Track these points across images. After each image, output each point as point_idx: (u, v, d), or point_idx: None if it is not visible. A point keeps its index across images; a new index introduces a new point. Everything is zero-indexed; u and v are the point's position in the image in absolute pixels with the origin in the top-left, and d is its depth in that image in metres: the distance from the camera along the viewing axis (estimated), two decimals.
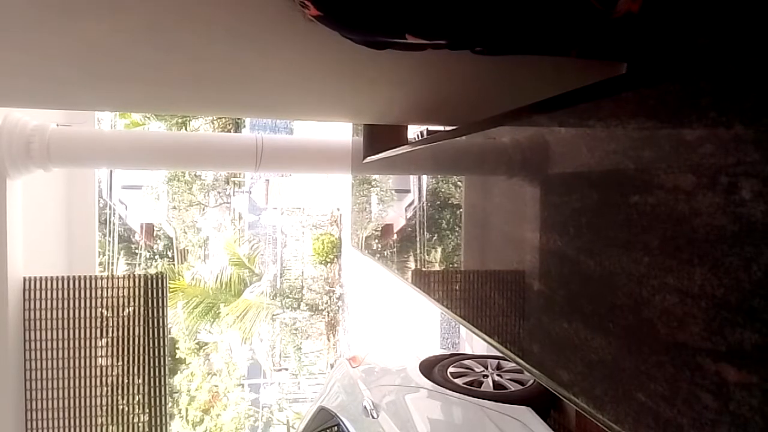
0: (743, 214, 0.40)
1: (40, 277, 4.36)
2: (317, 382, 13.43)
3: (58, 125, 4.16)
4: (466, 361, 3.46)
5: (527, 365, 0.78)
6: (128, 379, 4.68)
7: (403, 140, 1.98)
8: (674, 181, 0.47)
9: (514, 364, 0.85)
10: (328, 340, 13.78)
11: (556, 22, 0.81)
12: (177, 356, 12.21)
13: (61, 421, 4.45)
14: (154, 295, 4.72)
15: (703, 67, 0.44)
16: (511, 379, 3.13)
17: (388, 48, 0.98)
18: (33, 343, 4.34)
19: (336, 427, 3.29)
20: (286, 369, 14.95)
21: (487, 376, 3.22)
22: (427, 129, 2.26)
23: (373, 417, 3.04)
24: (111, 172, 10.99)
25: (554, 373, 0.70)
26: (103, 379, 4.58)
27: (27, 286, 4.30)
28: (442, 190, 1.45)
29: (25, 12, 0.93)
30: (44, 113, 4.15)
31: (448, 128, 1.53)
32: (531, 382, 3.03)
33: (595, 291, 0.60)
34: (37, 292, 4.34)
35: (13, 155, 3.81)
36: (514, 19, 0.82)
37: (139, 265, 14.19)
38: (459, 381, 3.17)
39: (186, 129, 13.00)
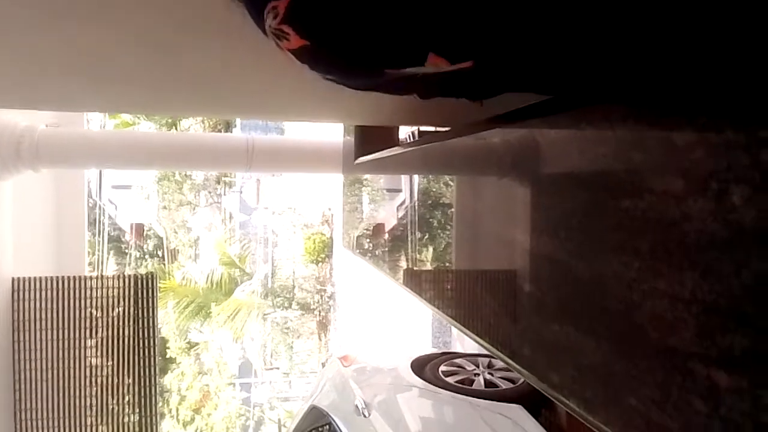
0: (733, 220, 0.40)
1: (29, 278, 4.34)
2: (308, 381, 13.41)
3: (47, 126, 4.13)
4: (457, 360, 3.47)
5: (518, 367, 0.78)
6: (118, 378, 4.66)
7: (394, 141, 1.98)
8: (665, 185, 0.47)
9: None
10: (320, 339, 13.77)
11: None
12: (167, 356, 12.16)
13: (51, 422, 4.44)
14: (144, 294, 4.71)
15: (695, 73, 0.44)
16: (502, 378, 3.14)
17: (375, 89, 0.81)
18: (22, 344, 4.32)
19: (328, 426, 3.28)
20: (278, 368, 14.93)
21: (479, 374, 3.22)
22: (419, 129, 2.25)
23: (364, 416, 3.04)
24: (100, 171, 10.92)
25: (545, 375, 0.70)
26: (93, 379, 4.56)
27: (16, 287, 4.28)
28: (434, 189, 1.45)
29: (18, 15, 0.93)
30: (33, 114, 4.12)
31: (439, 129, 1.53)
32: (522, 380, 3.03)
33: (586, 294, 0.60)
34: (27, 293, 4.32)
35: (2, 156, 3.78)
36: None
37: (129, 265, 14.11)
38: (450, 379, 3.17)
39: (176, 129, 12.94)
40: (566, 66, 0.72)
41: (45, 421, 4.41)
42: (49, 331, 4.37)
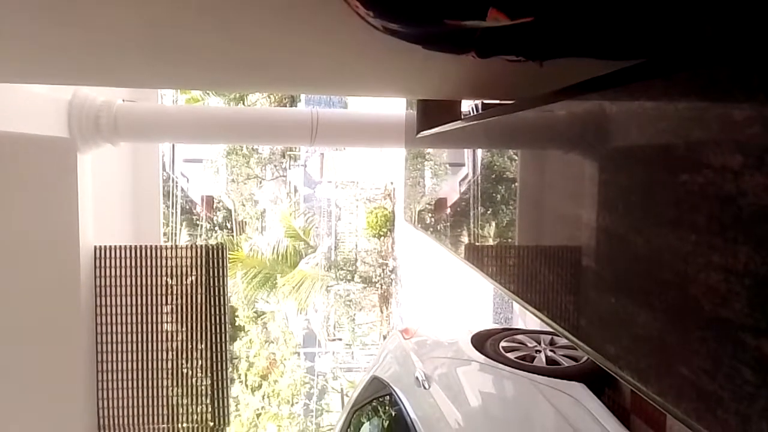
0: None
1: (110, 246, 4.56)
2: (370, 352, 13.65)
3: (123, 101, 4.31)
4: (518, 336, 3.46)
5: (575, 339, 0.79)
6: (191, 344, 4.86)
7: (456, 114, 1.98)
8: (722, 160, 0.47)
9: (567, 341, 0.86)
10: (381, 312, 13.93)
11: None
12: (236, 324, 12.62)
13: (128, 383, 4.68)
14: (215, 264, 4.88)
15: (754, 48, 0.44)
16: (564, 355, 3.11)
17: (436, 44, 0.85)
18: (103, 308, 4.56)
19: (388, 397, 3.34)
20: (340, 339, 15.24)
21: (540, 351, 3.21)
22: (482, 102, 2.23)
23: (425, 388, 3.08)
24: (173, 146, 11.30)
25: (601, 347, 0.71)
26: (168, 344, 4.77)
27: (97, 255, 4.52)
28: (497, 164, 1.44)
29: None
30: (110, 89, 4.31)
31: (502, 103, 1.52)
32: (585, 358, 2.99)
33: (642, 267, 0.61)
34: (107, 260, 4.55)
35: (83, 130, 3.99)
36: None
37: (200, 236, 14.64)
38: (511, 355, 3.17)
39: (243, 104, 13.22)
40: (626, 27, 0.71)
41: (124, 382, 4.66)
42: (128, 297, 4.60)
